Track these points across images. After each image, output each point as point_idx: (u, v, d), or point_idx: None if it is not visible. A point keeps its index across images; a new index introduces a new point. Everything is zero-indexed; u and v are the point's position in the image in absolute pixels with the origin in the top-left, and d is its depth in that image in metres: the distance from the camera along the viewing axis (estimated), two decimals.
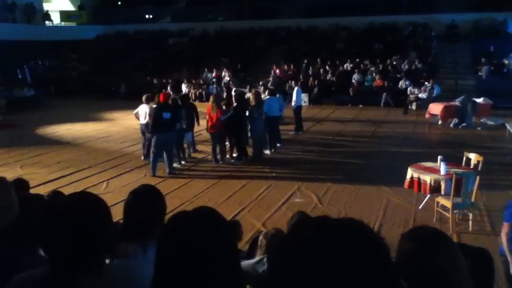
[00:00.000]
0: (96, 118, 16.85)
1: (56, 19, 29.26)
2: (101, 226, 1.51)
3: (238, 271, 1.34)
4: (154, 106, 9.60)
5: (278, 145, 11.16)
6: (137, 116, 10.10)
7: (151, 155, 9.05)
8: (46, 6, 29.31)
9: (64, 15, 29.91)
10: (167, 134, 8.80)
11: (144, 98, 10.01)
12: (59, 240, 1.44)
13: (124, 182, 8.45)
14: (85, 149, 11.77)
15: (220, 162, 9.88)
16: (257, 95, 10.30)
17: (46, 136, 13.83)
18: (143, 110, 9.83)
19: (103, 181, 8.66)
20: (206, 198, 7.62)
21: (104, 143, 12.36)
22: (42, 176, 9.02)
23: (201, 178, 8.96)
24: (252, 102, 10.02)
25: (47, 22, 28.57)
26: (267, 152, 10.74)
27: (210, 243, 1.24)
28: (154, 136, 8.86)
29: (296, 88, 13.25)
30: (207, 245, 1.23)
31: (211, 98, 9.98)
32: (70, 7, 30.83)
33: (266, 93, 11.52)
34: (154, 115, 8.89)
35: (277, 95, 11.54)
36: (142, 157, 10.19)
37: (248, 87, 17.20)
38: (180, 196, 7.70)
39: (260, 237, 3.15)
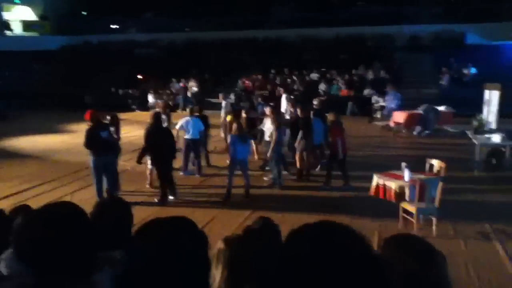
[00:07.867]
0: (59, 130, 16.44)
1: (17, 28, 28.48)
2: (83, 233, 1.48)
3: (205, 281, 1.36)
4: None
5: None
6: (183, 130, 9.47)
7: (94, 181, 7.77)
8: (6, 15, 28.51)
9: (26, 24, 29.15)
10: (106, 157, 7.61)
11: (190, 110, 10.16)
12: (41, 249, 1.40)
13: (89, 195, 8.18)
14: (48, 162, 11.42)
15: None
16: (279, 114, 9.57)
17: (5, 149, 13.38)
18: (189, 123, 9.46)
19: (67, 195, 8.40)
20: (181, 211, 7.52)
21: (68, 156, 11.99)
22: (1, 190, 8.68)
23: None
24: (273, 123, 8.80)
25: (7, 31, 27.76)
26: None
27: (176, 252, 1.26)
28: (91, 159, 7.58)
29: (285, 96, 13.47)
30: (173, 254, 1.25)
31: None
32: (32, 17, 30.07)
33: (312, 113, 9.68)
34: (90, 136, 7.45)
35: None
36: (181, 173, 9.53)
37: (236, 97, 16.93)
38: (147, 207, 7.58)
39: (220, 243, 2.47)
